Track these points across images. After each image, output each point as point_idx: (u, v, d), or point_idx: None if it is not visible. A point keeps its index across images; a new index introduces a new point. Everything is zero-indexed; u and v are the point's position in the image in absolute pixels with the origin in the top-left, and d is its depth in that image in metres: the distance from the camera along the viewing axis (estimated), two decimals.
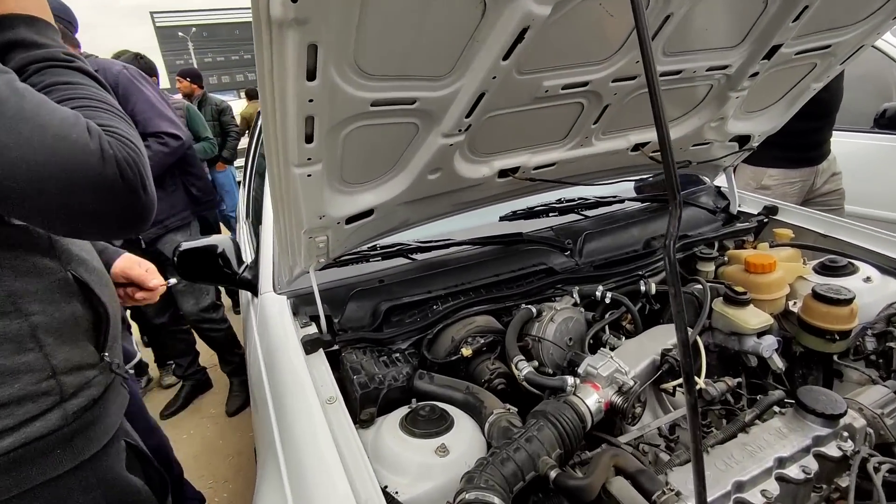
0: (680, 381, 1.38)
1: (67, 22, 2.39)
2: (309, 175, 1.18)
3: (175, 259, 1.86)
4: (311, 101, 0.98)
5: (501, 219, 2.00)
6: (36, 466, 0.92)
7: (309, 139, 1.08)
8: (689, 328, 1.51)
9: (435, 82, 1.13)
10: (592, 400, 1.24)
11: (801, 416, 1.18)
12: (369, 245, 1.74)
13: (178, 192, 3.06)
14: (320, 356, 1.42)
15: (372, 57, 0.99)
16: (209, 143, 4.43)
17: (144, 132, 2.60)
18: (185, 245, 1.83)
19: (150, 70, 3.60)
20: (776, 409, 1.28)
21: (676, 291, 0.53)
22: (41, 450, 0.92)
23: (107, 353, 1.08)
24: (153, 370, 3.95)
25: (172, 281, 1.70)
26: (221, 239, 1.89)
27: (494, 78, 1.17)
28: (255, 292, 1.84)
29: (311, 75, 0.93)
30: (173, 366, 3.73)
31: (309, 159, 1.14)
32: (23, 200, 0.77)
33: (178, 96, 5.34)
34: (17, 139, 0.73)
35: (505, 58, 1.12)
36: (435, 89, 1.15)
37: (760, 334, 1.54)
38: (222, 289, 4.12)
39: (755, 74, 1.61)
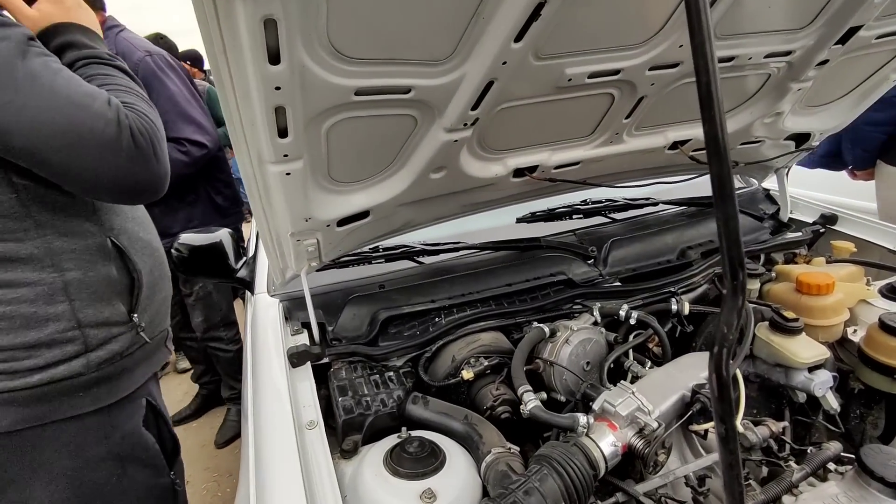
0: (713, 423, 1.18)
1: None
2: (288, 173, 1.03)
3: (172, 252, 1.78)
4: (278, 88, 0.82)
5: (518, 220, 1.82)
6: (60, 403, 1.07)
7: (283, 133, 0.93)
8: (725, 368, 1.31)
9: (433, 68, 0.96)
10: (607, 443, 1.06)
11: (865, 482, 0.98)
12: (371, 246, 1.59)
13: (198, 203, 2.65)
14: (307, 370, 1.29)
15: (351, 36, 0.82)
16: None
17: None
18: (183, 238, 1.74)
19: (170, 49, 3.37)
20: (832, 466, 1.08)
21: (731, 447, 0.34)
22: (64, 390, 1.07)
23: (136, 315, 1.19)
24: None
25: None
26: (220, 233, 1.79)
27: (505, 63, 0.98)
28: (251, 290, 1.73)
29: (274, 58, 0.77)
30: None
31: (286, 156, 0.99)
32: (47, 158, 0.95)
33: (203, 82, 5.06)
34: (48, 105, 0.92)
35: (517, 39, 0.93)
36: (433, 76, 0.98)
37: (812, 368, 1.33)
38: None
39: (824, 62, 1.36)
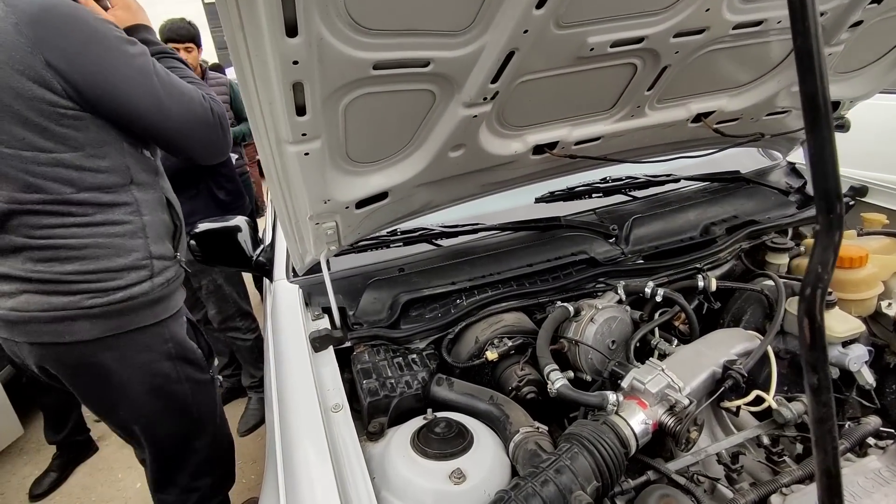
0: (748, 398, 1.16)
1: None
2: (307, 154, 1.02)
3: (190, 241, 1.79)
4: (296, 63, 0.80)
5: (537, 200, 1.78)
6: (135, 316, 1.39)
7: (301, 111, 0.91)
8: (759, 337, 1.28)
9: (452, 39, 0.93)
10: (638, 421, 1.04)
11: None
12: (389, 229, 1.57)
13: (200, 197, 2.65)
14: (329, 354, 1.28)
15: (369, 6, 0.80)
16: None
17: None
18: (201, 227, 1.75)
19: (192, 38, 3.06)
20: (872, 441, 1.05)
21: (824, 402, 0.32)
22: (136, 306, 1.38)
23: (179, 252, 1.56)
24: None
25: None
26: (237, 220, 1.79)
27: (526, 32, 0.95)
28: (270, 278, 1.72)
29: (291, 30, 0.75)
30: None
31: (304, 135, 0.97)
32: (173, 137, 1.37)
33: (228, 73, 4.19)
34: (178, 101, 1.32)
35: (539, 6, 0.90)
36: (453, 48, 0.95)
37: (847, 343, 1.29)
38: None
39: (857, 24, 1.30)
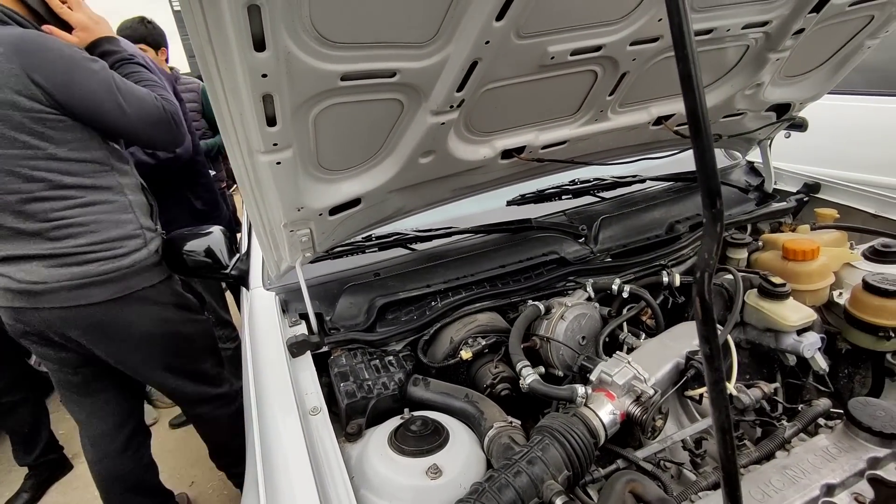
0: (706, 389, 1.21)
1: None
2: (278, 163, 1.04)
3: (163, 251, 1.79)
4: (264, 75, 0.83)
5: (509, 203, 1.83)
6: (141, 277, 1.72)
7: (271, 122, 0.94)
8: (719, 327, 1.34)
9: (417, 50, 0.97)
10: (606, 412, 1.09)
11: (854, 433, 1.01)
12: (364, 235, 1.60)
13: (176, 207, 2.59)
14: (307, 360, 1.30)
15: (335, 21, 0.83)
16: None
17: None
18: (174, 235, 1.76)
19: (155, 42, 2.92)
20: (822, 421, 1.11)
21: (715, 356, 0.37)
22: (141, 269, 1.71)
23: (158, 226, 1.84)
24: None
25: None
26: (212, 231, 1.79)
27: (488, 43, 0.99)
28: (246, 286, 1.73)
29: (259, 45, 0.78)
30: None
31: (275, 145, 0.99)
32: (137, 134, 1.67)
33: (196, 80, 3.87)
34: (137, 105, 1.59)
35: (499, 17, 0.94)
36: (418, 59, 0.98)
37: (801, 331, 1.37)
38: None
39: (800, 31, 1.38)
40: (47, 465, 2.80)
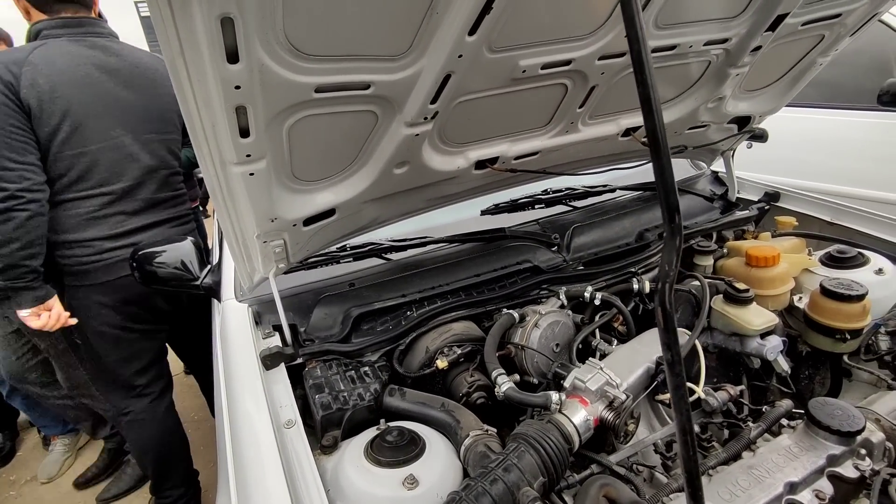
0: None
1: None
2: (251, 174, 1.03)
3: (133, 264, 1.74)
4: (238, 87, 0.83)
5: (483, 213, 1.85)
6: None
7: (245, 133, 0.93)
8: (687, 333, 1.38)
9: (391, 63, 0.98)
10: (580, 418, 1.11)
11: (814, 432, 1.06)
12: (339, 245, 1.59)
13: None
14: (281, 372, 1.29)
15: (309, 34, 0.83)
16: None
17: None
18: (143, 251, 1.71)
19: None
20: (785, 421, 1.16)
21: (674, 359, 0.39)
22: None
23: None
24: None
25: None
26: (179, 244, 1.76)
27: (461, 57, 1.01)
28: (218, 298, 1.70)
29: (232, 57, 0.78)
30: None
31: (248, 156, 0.99)
32: None
33: None
34: None
35: (471, 32, 0.96)
36: (392, 71, 1.00)
37: (764, 335, 1.42)
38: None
39: (757, 49, 1.45)
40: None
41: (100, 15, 2.04)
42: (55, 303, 1.85)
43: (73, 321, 1.93)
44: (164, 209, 2.12)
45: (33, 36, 1.86)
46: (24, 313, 1.79)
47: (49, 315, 1.82)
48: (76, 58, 1.84)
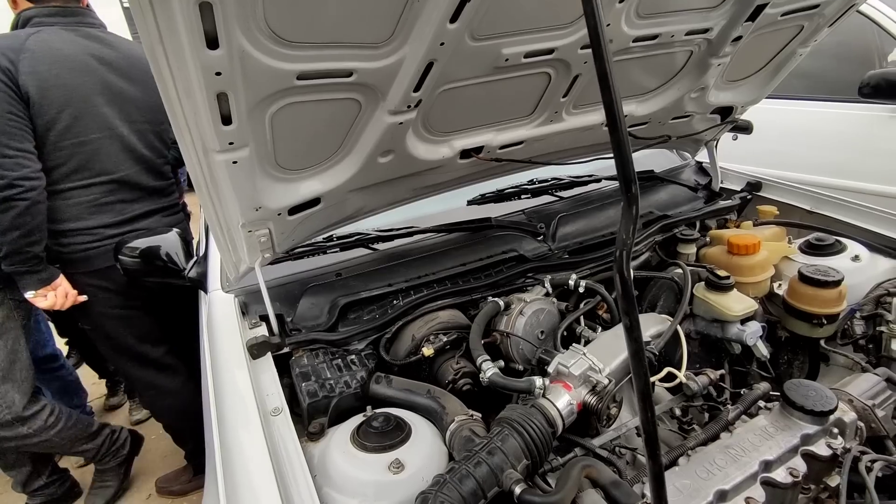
0: (660, 375, 1.28)
1: None
2: (234, 162, 1.03)
3: (117, 257, 1.73)
4: (218, 73, 0.83)
5: (469, 202, 1.87)
6: None
7: (227, 120, 0.93)
8: (669, 319, 1.41)
9: (373, 50, 0.98)
10: (563, 402, 1.13)
11: (789, 412, 1.09)
12: (325, 235, 1.60)
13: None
14: (268, 361, 1.29)
15: (290, 20, 0.83)
16: None
17: None
18: (129, 244, 1.70)
19: None
20: (762, 403, 1.19)
21: (632, 325, 0.40)
22: None
23: None
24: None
25: None
26: (165, 235, 1.75)
27: (443, 45, 1.02)
28: (204, 289, 1.69)
29: (212, 42, 0.78)
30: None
31: (231, 143, 0.99)
32: None
33: None
34: None
35: (452, 20, 0.97)
36: (374, 59, 1.00)
37: (744, 321, 1.45)
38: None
39: (738, 39, 1.47)
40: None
41: (87, 6, 2.03)
42: (62, 282, 1.90)
43: (83, 298, 1.98)
44: (159, 198, 2.18)
45: (23, 23, 1.83)
46: (29, 295, 1.84)
47: (55, 294, 1.87)
48: (74, 46, 1.84)
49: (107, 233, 1.99)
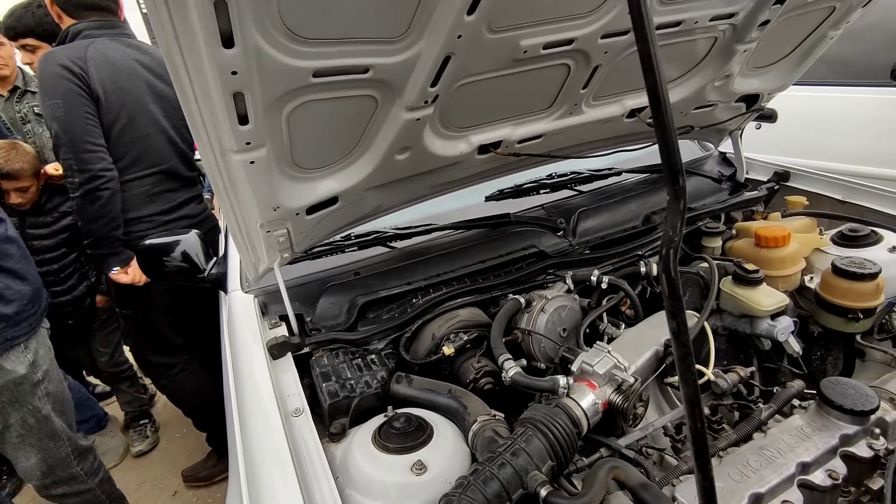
0: None
1: None
2: (252, 162, 1.02)
3: (138, 257, 1.76)
4: (234, 73, 0.82)
5: (487, 199, 1.84)
6: None
7: (243, 120, 0.92)
8: (696, 315, 1.37)
9: (389, 45, 0.96)
10: (588, 401, 1.10)
11: (826, 412, 1.04)
12: (343, 234, 1.59)
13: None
14: (288, 361, 1.29)
15: (305, 16, 0.82)
16: None
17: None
18: (147, 242, 1.72)
19: (46, 31, 2.35)
20: (796, 402, 1.14)
21: (679, 327, 0.37)
22: None
23: None
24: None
25: None
26: (187, 235, 1.76)
27: (460, 37, 0.99)
28: (224, 290, 1.70)
29: (228, 41, 0.77)
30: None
31: (248, 143, 0.98)
32: None
33: None
34: None
35: (470, 12, 0.94)
36: (390, 54, 0.98)
37: (774, 316, 1.40)
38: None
39: (765, 23, 1.41)
40: None
41: (124, 20, 2.29)
42: (135, 262, 2.13)
43: (146, 280, 2.17)
44: (192, 187, 2.44)
45: (72, 36, 2.07)
46: (113, 272, 2.14)
47: (133, 271, 2.15)
48: (121, 54, 2.12)
49: (161, 219, 2.26)
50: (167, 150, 2.27)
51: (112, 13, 2.19)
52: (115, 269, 2.14)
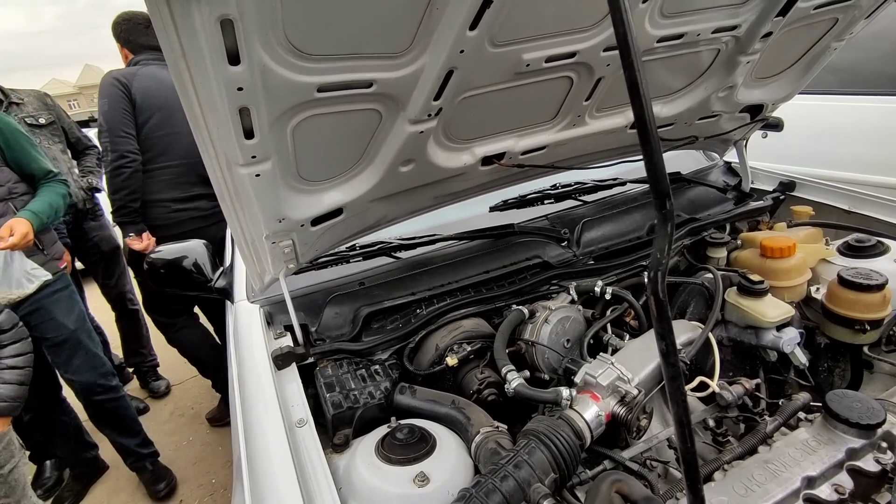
0: (692, 384, 1.23)
1: None
2: (258, 175, 1.04)
3: (146, 268, 1.78)
4: (240, 89, 0.83)
5: (491, 209, 1.85)
6: None
7: (249, 134, 0.94)
8: (700, 326, 1.36)
9: (393, 60, 0.98)
10: (591, 413, 1.10)
11: (832, 425, 1.03)
12: (348, 245, 1.60)
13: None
14: (293, 371, 1.30)
15: (309, 33, 0.84)
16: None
17: None
18: (154, 255, 1.74)
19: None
20: (802, 415, 1.13)
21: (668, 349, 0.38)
22: None
23: None
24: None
25: None
26: (191, 246, 1.78)
27: (462, 52, 1.01)
28: (230, 300, 1.72)
29: (234, 59, 0.78)
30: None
31: (254, 157, 1.00)
32: None
33: None
34: None
35: (472, 27, 0.96)
36: (394, 69, 0.99)
37: (780, 327, 1.39)
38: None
39: (768, 35, 1.42)
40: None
41: None
42: (147, 233, 2.68)
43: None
44: (208, 185, 2.65)
45: (133, 64, 2.72)
46: (129, 238, 2.63)
47: (146, 239, 2.65)
48: (165, 75, 2.66)
49: (175, 206, 2.74)
50: (192, 149, 2.51)
51: (160, 49, 2.68)
52: (130, 234, 2.63)
